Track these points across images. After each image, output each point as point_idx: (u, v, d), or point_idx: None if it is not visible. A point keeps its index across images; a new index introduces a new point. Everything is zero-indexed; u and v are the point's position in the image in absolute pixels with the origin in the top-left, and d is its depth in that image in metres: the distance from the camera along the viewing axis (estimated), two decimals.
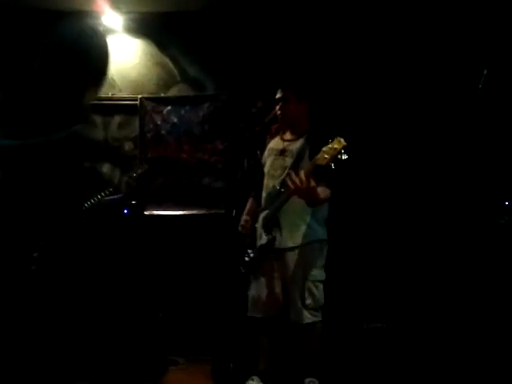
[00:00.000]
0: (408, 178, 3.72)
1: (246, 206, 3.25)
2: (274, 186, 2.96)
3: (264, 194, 3.05)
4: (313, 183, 2.60)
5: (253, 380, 3.02)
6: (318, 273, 2.96)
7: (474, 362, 3.00)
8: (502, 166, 3.28)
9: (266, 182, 3.05)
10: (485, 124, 3.23)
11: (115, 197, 3.54)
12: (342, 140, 2.51)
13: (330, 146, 2.52)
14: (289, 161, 2.96)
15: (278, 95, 3.06)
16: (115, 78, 4.18)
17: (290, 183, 2.59)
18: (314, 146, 2.79)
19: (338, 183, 2.83)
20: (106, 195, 3.21)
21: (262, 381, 3.03)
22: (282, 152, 3.03)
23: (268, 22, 4.02)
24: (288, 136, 3.09)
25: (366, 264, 3.61)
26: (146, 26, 4.16)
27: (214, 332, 3.55)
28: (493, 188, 3.27)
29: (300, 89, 3.05)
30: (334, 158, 2.49)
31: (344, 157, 2.48)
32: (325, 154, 2.52)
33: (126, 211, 3.70)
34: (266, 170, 3.08)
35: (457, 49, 3.67)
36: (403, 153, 3.76)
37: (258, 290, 3.02)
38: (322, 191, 2.74)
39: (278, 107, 3.06)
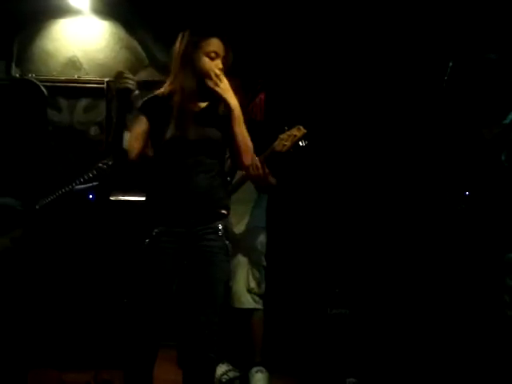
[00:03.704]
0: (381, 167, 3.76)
1: None
2: None
3: None
4: (266, 169, 2.68)
5: (223, 363, 3.05)
6: (261, 258, 3.03)
7: (437, 344, 3.08)
8: (465, 158, 3.34)
9: None
10: (449, 116, 3.27)
11: (89, 185, 3.51)
12: (302, 127, 2.54)
13: (288, 133, 2.56)
14: None
15: None
16: (82, 60, 4.11)
17: (250, 169, 2.64)
18: None
19: (291, 170, 2.98)
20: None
21: (232, 365, 3.07)
22: None
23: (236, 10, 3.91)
24: None
25: (330, 250, 3.65)
26: (114, 8, 4.08)
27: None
28: (455, 178, 3.34)
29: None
30: (295, 145, 2.53)
31: (305, 143, 2.53)
32: (283, 141, 2.56)
33: (91, 196, 3.66)
34: None
35: (421, 39, 3.68)
36: (374, 143, 3.79)
37: None
38: (272, 178, 2.86)
39: None
